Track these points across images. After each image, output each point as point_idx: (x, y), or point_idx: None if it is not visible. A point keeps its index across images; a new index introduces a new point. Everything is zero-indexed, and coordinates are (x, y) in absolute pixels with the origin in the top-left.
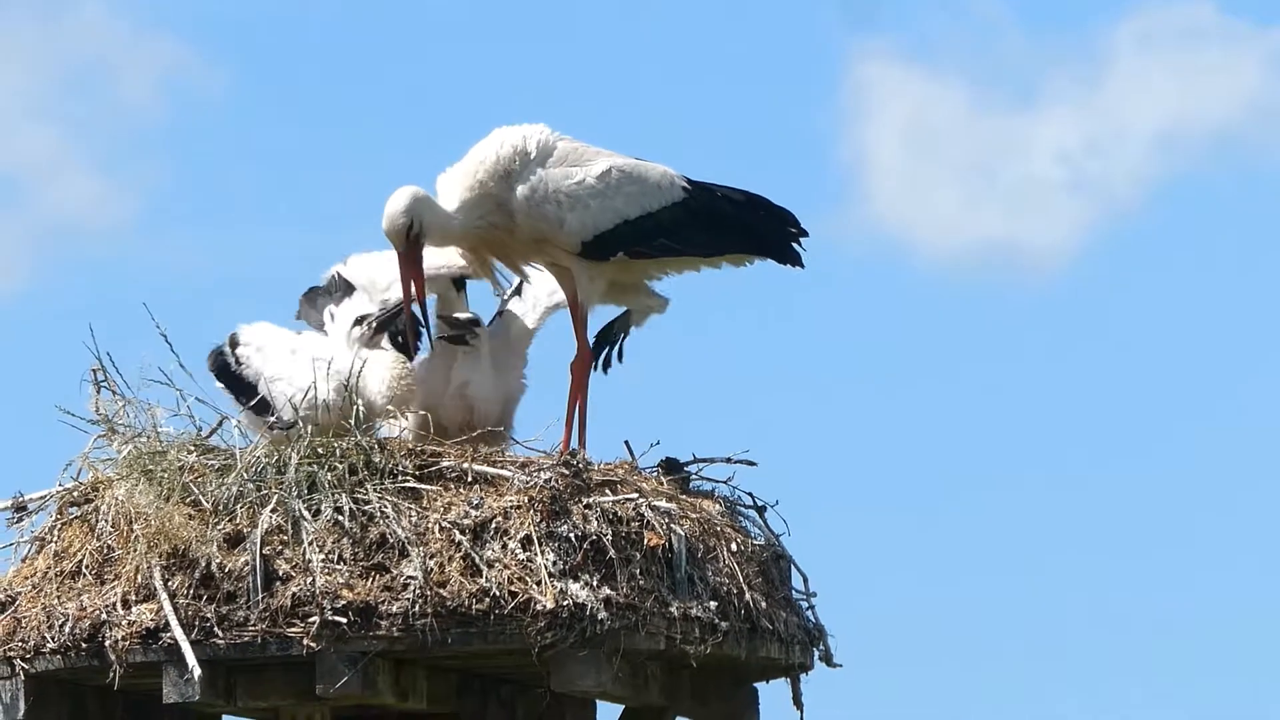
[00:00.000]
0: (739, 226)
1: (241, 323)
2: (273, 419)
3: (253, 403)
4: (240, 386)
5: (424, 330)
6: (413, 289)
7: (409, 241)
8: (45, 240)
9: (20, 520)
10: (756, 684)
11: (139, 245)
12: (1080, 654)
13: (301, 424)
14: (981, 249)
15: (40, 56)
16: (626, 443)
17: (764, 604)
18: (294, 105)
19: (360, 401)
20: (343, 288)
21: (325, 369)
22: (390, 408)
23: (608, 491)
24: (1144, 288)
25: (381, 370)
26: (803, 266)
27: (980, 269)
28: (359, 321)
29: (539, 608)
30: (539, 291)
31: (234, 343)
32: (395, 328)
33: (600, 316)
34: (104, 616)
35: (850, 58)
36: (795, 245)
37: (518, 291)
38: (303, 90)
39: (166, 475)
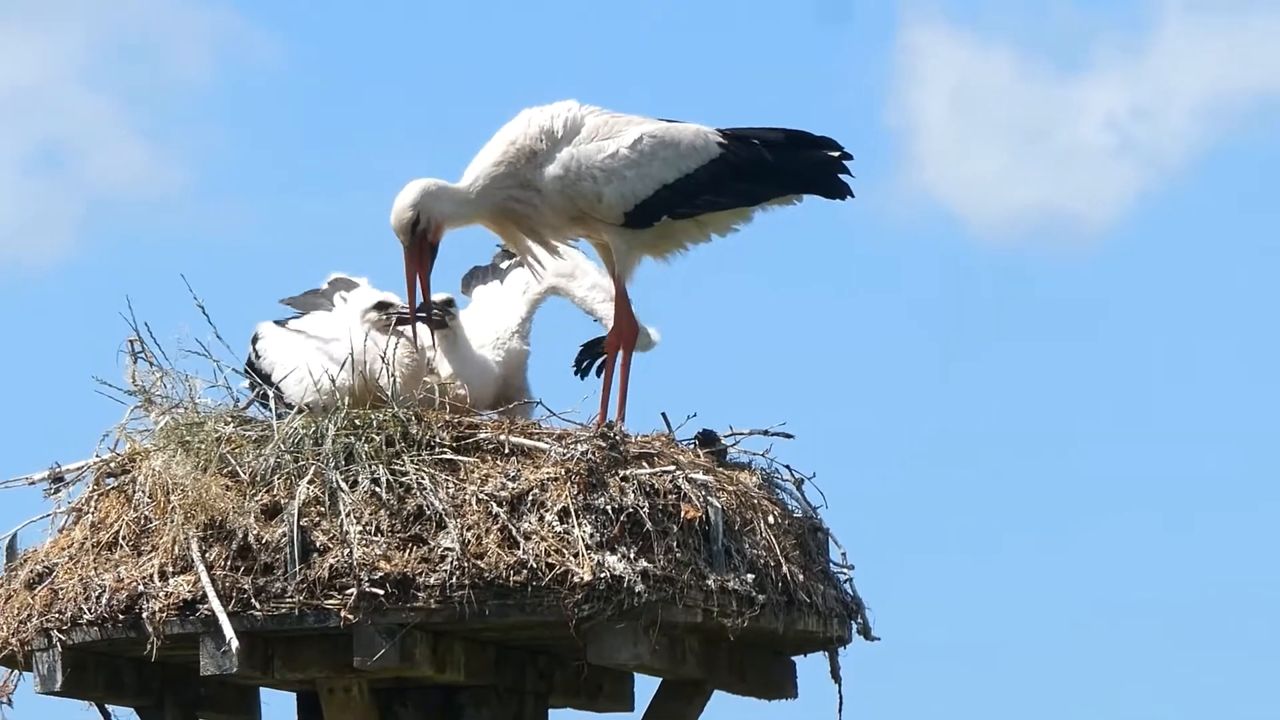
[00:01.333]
0: (780, 170)
1: (264, 317)
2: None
3: (274, 390)
4: (264, 380)
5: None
6: (418, 286)
7: (414, 236)
8: (93, 209)
9: (57, 491)
10: (794, 657)
11: (188, 215)
12: (1124, 631)
13: (321, 405)
14: (1028, 215)
15: (93, 25)
16: (664, 415)
17: (801, 577)
18: (347, 75)
19: (374, 378)
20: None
21: (336, 349)
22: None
23: (645, 464)
24: (1191, 253)
25: (395, 356)
26: (852, 196)
27: (1027, 235)
28: (380, 307)
29: (576, 580)
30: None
31: (255, 339)
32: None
33: (591, 330)
34: (141, 588)
35: (898, 22)
36: (841, 177)
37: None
38: (356, 60)
39: (204, 446)
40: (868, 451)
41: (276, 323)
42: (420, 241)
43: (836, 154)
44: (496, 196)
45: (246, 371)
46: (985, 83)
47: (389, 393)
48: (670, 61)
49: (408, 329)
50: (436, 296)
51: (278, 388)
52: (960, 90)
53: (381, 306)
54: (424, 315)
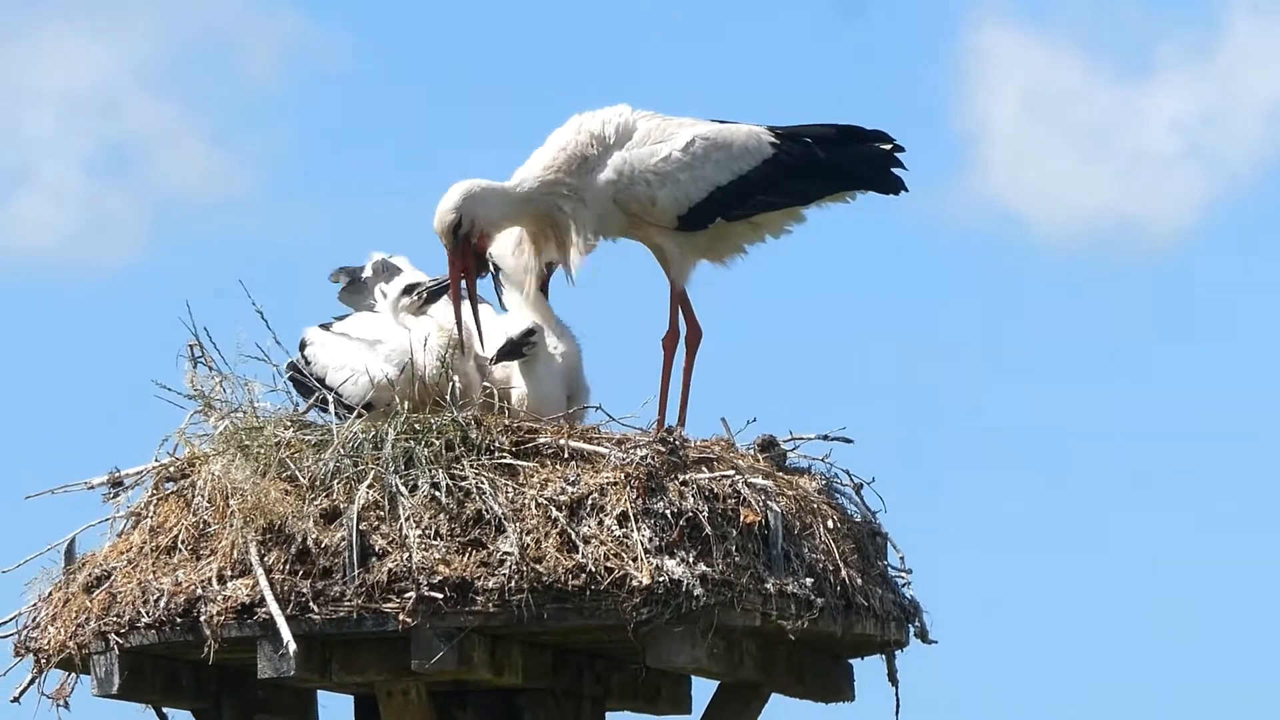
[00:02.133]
0: (834, 167)
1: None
2: (351, 406)
3: (333, 394)
4: (316, 383)
5: (476, 326)
6: (462, 288)
7: (456, 239)
8: (159, 212)
9: (116, 495)
10: (852, 660)
11: (254, 218)
12: (1181, 635)
13: (376, 404)
14: (1095, 220)
15: (159, 29)
16: (723, 419)
17: (859, 580)
18: (413, 78)
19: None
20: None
21: (380, 348)
22: (441, 377)
23: (704, 468)
24: (1260, 259)
25: (430, 340)
26: (906, 190)
27: (1095, 240)
28: (408, 290)
29: (635, 584)
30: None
31: (302, 345)
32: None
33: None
34: (199, 592)
35: (964, 25)
36: (894, 171)
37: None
38: (422, 63)
39: (263, 451)
40: (927, 456)
41: (322, 326)
42: (464, 245)
43: (889, 147)
44: (544, 202)
45: (295, 378)
46: (1052, 86)
47: (444, 390)
48: (732, 64)
49: (437, 307)
50: (518, 327)
51: (336, 391)
52: (1027, 94)
53: (409, 290)
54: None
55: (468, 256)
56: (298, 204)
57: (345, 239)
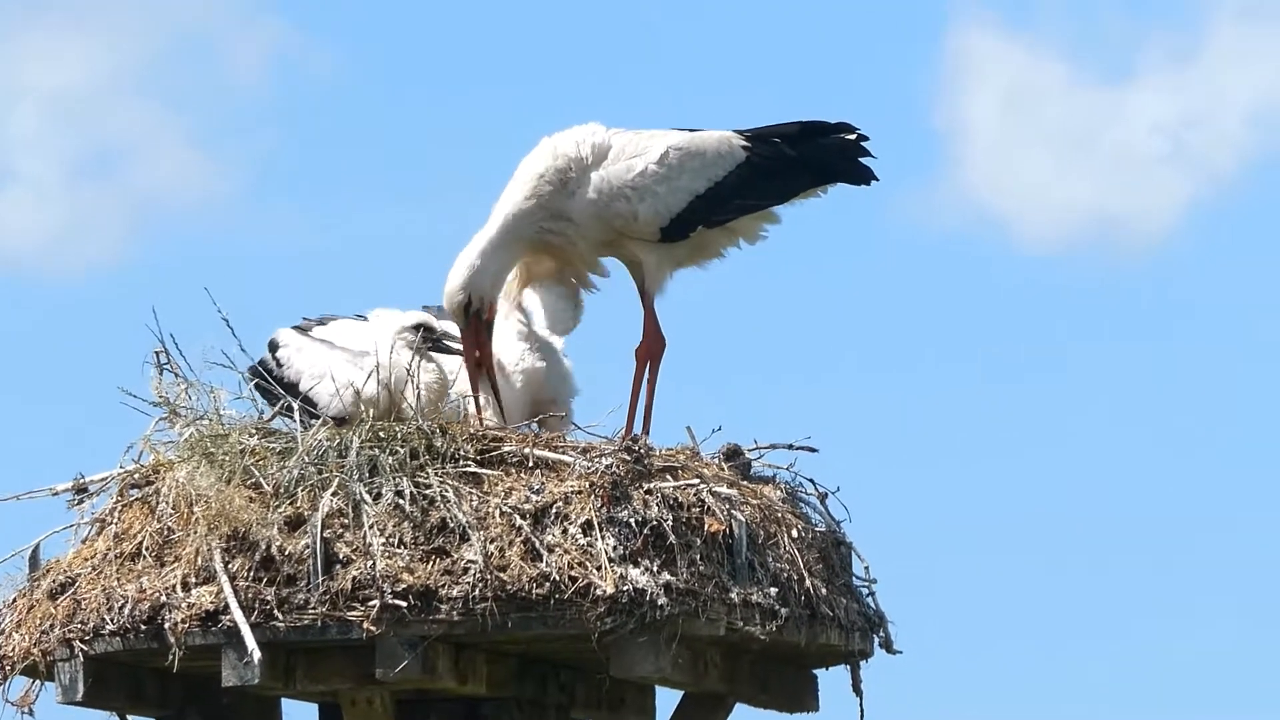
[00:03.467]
0: (805, 163)
1: (282, 325)
2: (320, 415)
3: (299, 401)
4: (285, 388)
5: (495, 399)
6: (477, 362)
7: (468, 316)
8: (140, 213)
9: (81, 502)
10: (816, 670)
11: (234, 221)
12: (1147, 643)
13: (350, 417)
14: (1076, 221)
15: (145, 31)
16: (688, 428)
17: (824, 590)
18: (396, 85)
19: (403, 393)
20: None
21: (366, 362)
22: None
23: (669, 477)
24: (1242, 261)
25: (420, 376)
26: (876, 179)
27: (1075, 242)
28: (417, 329)
29: (599, 593)
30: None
31: (274, 346)
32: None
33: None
34: (164, 599)
35: (948, 25)
36: (863, 161)
37: None
38: (405, 70)
39: (228, 458)
40: (892, 465)
41: (297, 329)
42: (475, 321)
43: (853, 136)
44: (528, 232)
45: (262, 380)
46: (1035, 87)
47: (413, 408)
48: (711, 65)
49: (440, 357)
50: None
51: (305, 397)
52: (1009, 94)
53: (419, 329)
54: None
55: (480, 331)
56: (278, 208)
57: (325, 243)
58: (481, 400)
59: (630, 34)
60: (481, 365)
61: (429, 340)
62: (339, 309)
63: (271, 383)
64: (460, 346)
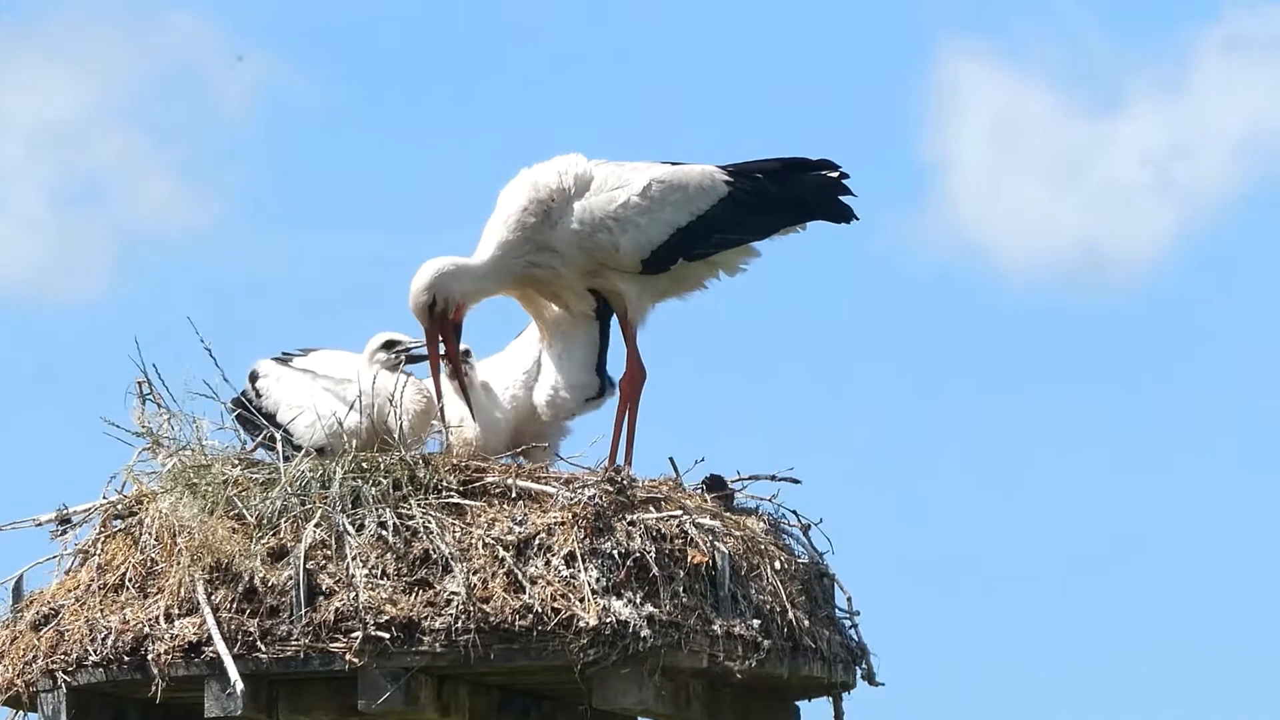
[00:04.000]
0: (787, 200)
1: (262, 356)
2: (303, 445)
3: (280, 431)
4: (265, 418)
5: (467, 400)
6: (441, 364)
7: (433, 317)
8: (126, 244)
9: (64, 533)
10: (799, 702)
11: (221, 252)
12: (1133, 677)
13: (331, 448)
14: (1064, 252)
15: (132, 63)
16: (671, 459)
17: (807, 622)
18: (382, 118)
19: (386, 421)
20: None
21: (348, 390)
22: (408, 433)
23: (652, 508)
24: (1229, 291)
25: (405, 399)
26: (856, 218)
27: (1062, 272)
28: (388, 346)
29: (582, 624)
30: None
31: (254, 377)
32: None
33: None
34: (147, 630)
35: (936, 56)
36: (843, 199)
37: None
38: (392, 104)
39: (210, 489)
40: (876, 497)
41: (278, 360)
42: (440, 322)
43: (835, 174)
44: (515, 266)
45: (242, 415)
46: (1022, 117)
47: (397, 437)
48: (697, 95)
49: (416, 368)
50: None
51: (285, 429)
52: (997, 124)
53: (389, 345)
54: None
55: (445, 332)
56: (265, 239)
57: (312, 274)
58: (449, 413)
59: (618, 67)
60: (453, 368)
61: (401, 354)
62: (324, 339)
63: (254, 413)
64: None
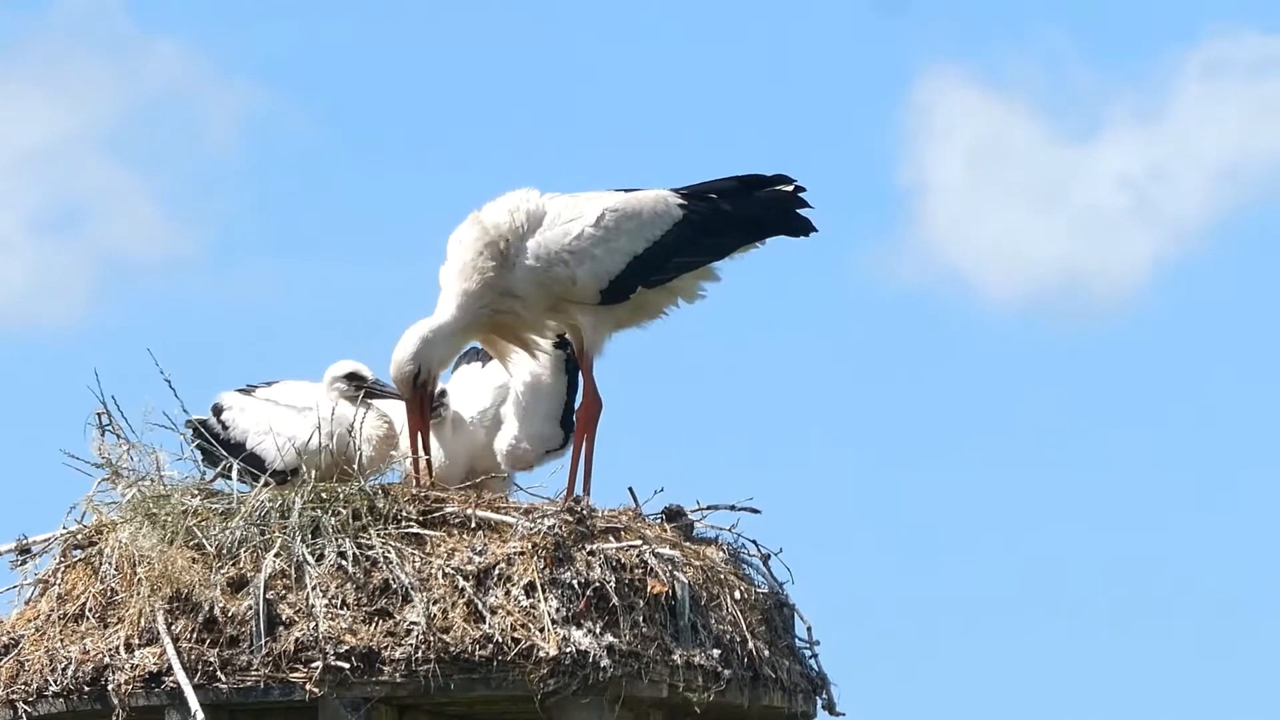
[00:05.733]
0: (743, 219)
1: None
2: (269, 471)
3: (242, 458)
4: (230, 449)
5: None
6: (420, 437)
7: (416, 387)
8: (105, 271)
9: (24, 563)
10: None
11: (201, 281)
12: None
13: (302, 470)
14: (1042, 277)
15: (120, 91)
16: (630, 489)
17: (767, 652)
18: (368, 151)
19: (346, 449)
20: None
21: (312, 416)
22: (369, 461)
23: (611, 538)
24: (1207, 317)
25: (366, 427)
26: (815, 230)
27: (1040, 298)
28: (350, 378)
29: (542, 654)
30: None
31: (218, 410)
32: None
33: None
34: (107, 660)
35: (914, 80)
36: (801, 212)
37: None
38: (377, 132)
39: (170, 519)
40: (836, 527)
41: (241, 391)
42: (421, 392)
43: (790, 187)
44: (481, 315)
45: (204, 442)
46: (1000, 142)
47: (357, 466)
48: (679, 118)
49: (377, 402)
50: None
51: (251, 454)
52: (975, 149)
53: (351, 378)
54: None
55: (425, 404)
56: (246, 268)
57: (292, 305)
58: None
59: (601, 91)
60: (424, 437)
61: (361, 387)
62: (303, 370)
63: (214, 444)
64: (393, 389)
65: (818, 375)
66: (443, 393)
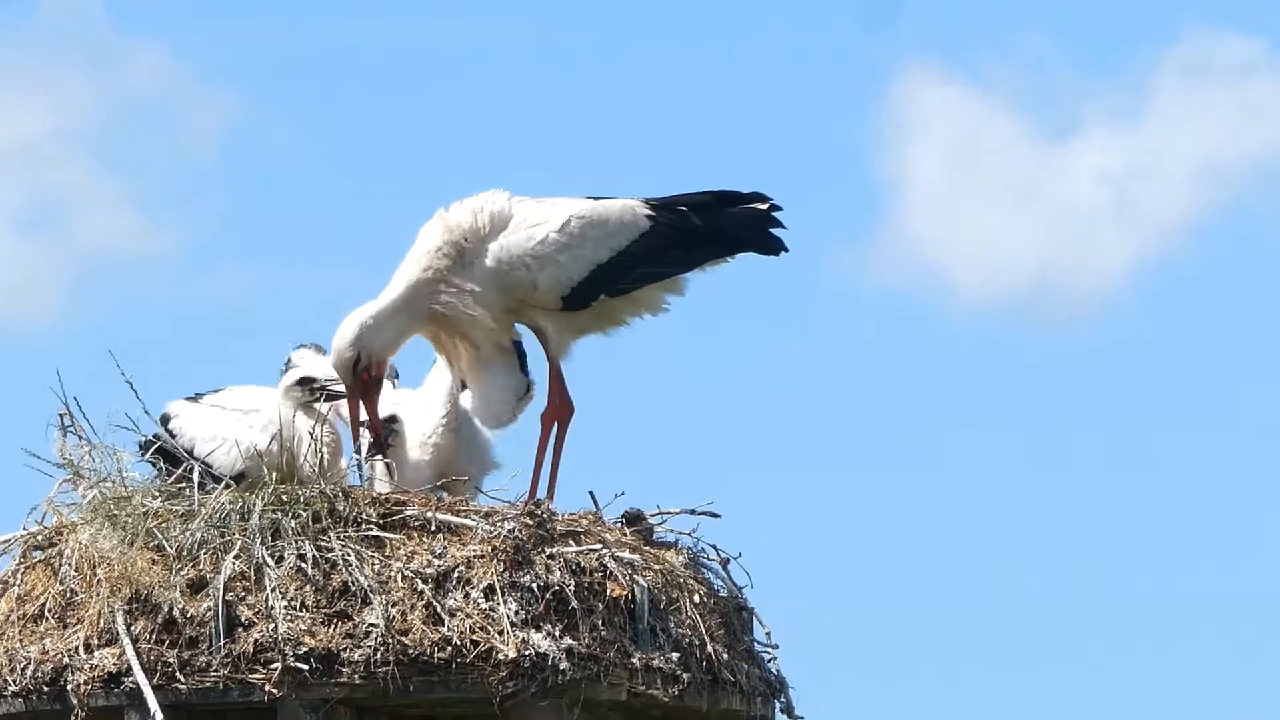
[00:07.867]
0: (712, 234)
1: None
2: (220, 476)
3: (200, 464)
4: (181, 458)
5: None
6: (362, 418)
7: (356, 374)
8: (82, 271)
9: None
10: None
11: (178, 282)
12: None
13: (249, 474)
14: (1020, 276)
15: (101, 93)
16: (591, 493)
17: (726, 655)
18: (349, 159)
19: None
20: None
21: (259, 420)
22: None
23: (571, 542)
24: (1186, 316)
25: (320, 431)
26: (786, 250)
27: (1018, 296)
28: (303, 383)
29: (501, 657)
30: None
31: (165, 420)
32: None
33: None
34: (66, 660)
35: (892, 77)
36: (773, 231)
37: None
38: (359, 139)
39: (130, 520)
40: (795, 531)
41: (188, 400)
42: (363, 378)
43: (765, 206)
44: (425, 304)
45: (155, 455)
46: (979, 140)
47: (312, 470)
48: (654, 116)
49: (332, 404)
50: (380, 413)
51: (204, 461)
52: (953, 147)
53: (304, 382)
54: (375, 447)
55: (368, 389)
56: (223, 271)
57: (270, 306)
58: (366, 466)
59: (581, 92)
60: (371, 426)
61: (315, 391)
62: (272, 377)
63: (172, 449)
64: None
65: (790, 375)
66: (393, 418)
